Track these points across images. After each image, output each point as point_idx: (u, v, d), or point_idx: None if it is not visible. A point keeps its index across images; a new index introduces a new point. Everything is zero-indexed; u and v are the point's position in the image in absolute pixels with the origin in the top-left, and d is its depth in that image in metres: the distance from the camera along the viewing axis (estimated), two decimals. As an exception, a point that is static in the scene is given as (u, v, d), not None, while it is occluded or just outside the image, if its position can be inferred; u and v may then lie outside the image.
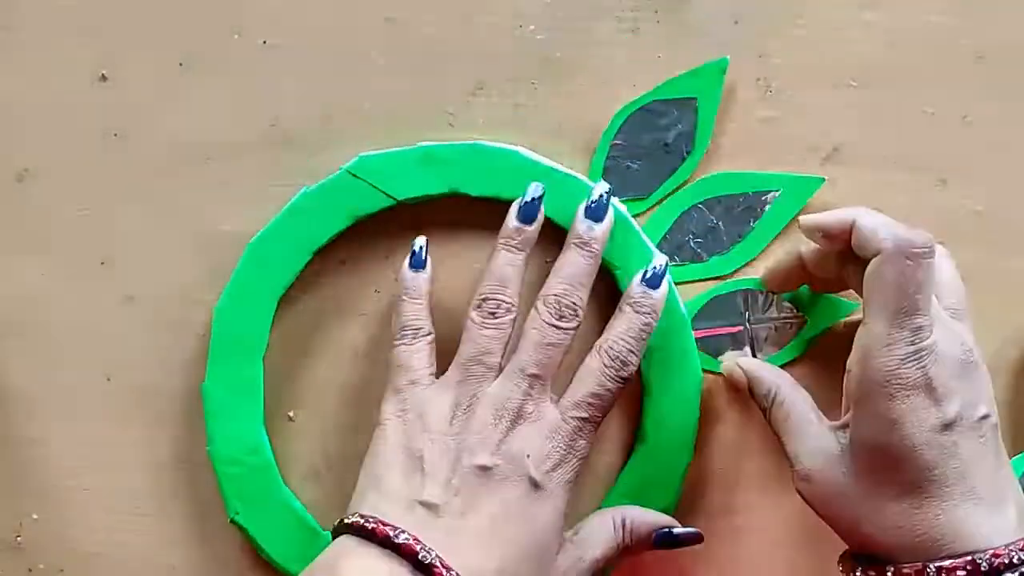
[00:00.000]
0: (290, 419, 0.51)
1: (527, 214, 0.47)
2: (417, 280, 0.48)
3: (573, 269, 0.46)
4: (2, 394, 0.51)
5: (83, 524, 0.51)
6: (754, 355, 0.50)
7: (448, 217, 0.51)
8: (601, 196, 0.47)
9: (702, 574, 0.51)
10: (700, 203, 0.50)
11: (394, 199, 0.49)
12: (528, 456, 0.44)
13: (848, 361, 0.43)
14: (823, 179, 0.50)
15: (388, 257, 0.51)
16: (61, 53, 0.50)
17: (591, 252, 0.46)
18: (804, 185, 0.50)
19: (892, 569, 0.41)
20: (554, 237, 0.49)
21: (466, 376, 0.45)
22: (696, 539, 0.47)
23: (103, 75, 0.51)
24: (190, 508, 0.51)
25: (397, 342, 0.47)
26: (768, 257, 0.50)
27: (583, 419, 0.45)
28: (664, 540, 0.47)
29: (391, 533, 0.41)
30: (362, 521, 0.42)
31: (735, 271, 0.50)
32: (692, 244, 0.50)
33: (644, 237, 0.50)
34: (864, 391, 0.41)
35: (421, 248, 0.48)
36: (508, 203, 0.48)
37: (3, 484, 0.51)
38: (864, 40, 0.51)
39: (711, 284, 0.51)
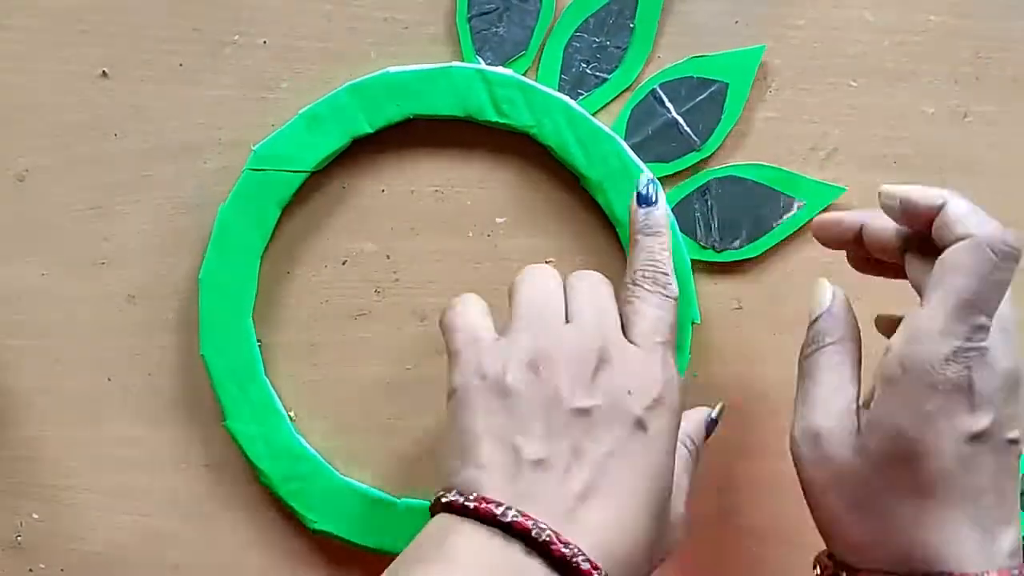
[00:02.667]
0: (290, 419, 0.51)
1: (646, 200, 0.46)
2: None
3: (648, 247, 0.44)
4: (2, 394, 0.51)
5: (83, 524, 0.51)
6: None
7: (447, 212, 0.51)
8: (648, 185, 0.46)
9: (701, 574, 0.51)
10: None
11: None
12: (630, 393, 0.40)
13: (891, 340, 0.40)
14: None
15: (389, 257, 0.51)
16: (61, 53, 0.50)
17: (658, 232, 0.45)
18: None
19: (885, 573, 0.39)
20: (555, 232, 0.49)
21: (536, 319, 0.42)
22: (723, 409, 0.48)
23: (103, 75, 0.51)
24: (190, 508, 0.51)
25: (450, 310, 0.43)
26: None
27: (663, 343, 0.42)
28: (711, 427, 0.47)
29: (496, 512, 0.37)
30: (462, 500, 0.38)
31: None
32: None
33: (631, 155, 0.50)
34: (903, 375, 0.38)
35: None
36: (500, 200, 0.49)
37: (3, 484, 0.51)
38: (864, 40, 0.51)
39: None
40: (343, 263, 0.51)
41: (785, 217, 0.50)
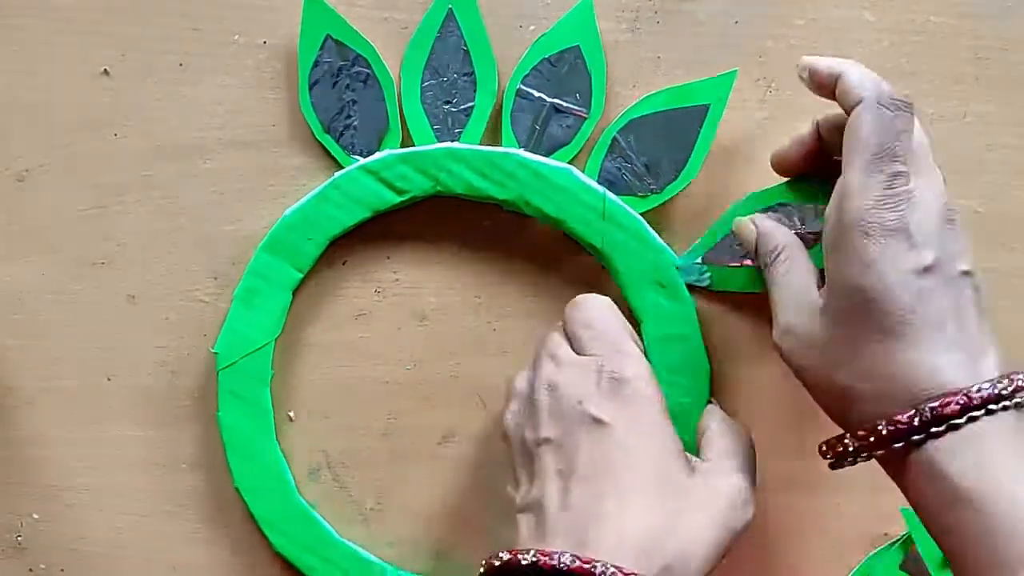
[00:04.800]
0: (290, 419, 0.51)
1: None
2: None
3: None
4: (2, 394, 0.51)
5: (83, 524, 0.51)
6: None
7: (447, 211, 0.51)
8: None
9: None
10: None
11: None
12: (580, 403, 0.43)
13: (826, 210, 0.42)
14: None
15: (389, 257, 0.51)
16: (62, 53, 0.50)
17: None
18: None
19: (884, 421, 0.40)
20: (553, 236, 0.49)
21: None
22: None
23: (104, 75, 0.51)
24: (190, 508, 0.51)
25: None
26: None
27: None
28: None
29: (554, 563, 0.40)
30: (520, 559, 0.41)
31: None
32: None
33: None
34: (839, 233, 0.41)
35: None
36: (489, 203, 0.49)
37: (3, 484, 0.51)
38: (864, 40, 0.51)
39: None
40: (343, 263, 0.51)
41: (700, 127, 0.49)
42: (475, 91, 0.50)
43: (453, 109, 0.50)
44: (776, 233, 0.46)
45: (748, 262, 0.49)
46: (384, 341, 0.51)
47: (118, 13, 0.50)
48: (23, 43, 0.50)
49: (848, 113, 0.42)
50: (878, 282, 0.40)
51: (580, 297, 0.46)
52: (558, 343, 0.45)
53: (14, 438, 0.51)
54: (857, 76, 0.42)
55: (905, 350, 0.40)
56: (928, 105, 0.51)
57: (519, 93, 0.50)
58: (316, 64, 0.50)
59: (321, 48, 0.49)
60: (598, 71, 0.50)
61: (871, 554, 0.51)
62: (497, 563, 0.41)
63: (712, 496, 0.43)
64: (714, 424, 0.46)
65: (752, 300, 0.50)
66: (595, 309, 0.46)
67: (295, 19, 0.50)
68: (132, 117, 0.51)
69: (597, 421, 0.42)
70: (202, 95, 0.51)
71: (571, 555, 0.39)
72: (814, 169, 0.47)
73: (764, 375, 0.51)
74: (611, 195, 0.49)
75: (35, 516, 0.51)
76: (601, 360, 0.44)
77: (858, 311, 0.40)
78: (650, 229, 0.49)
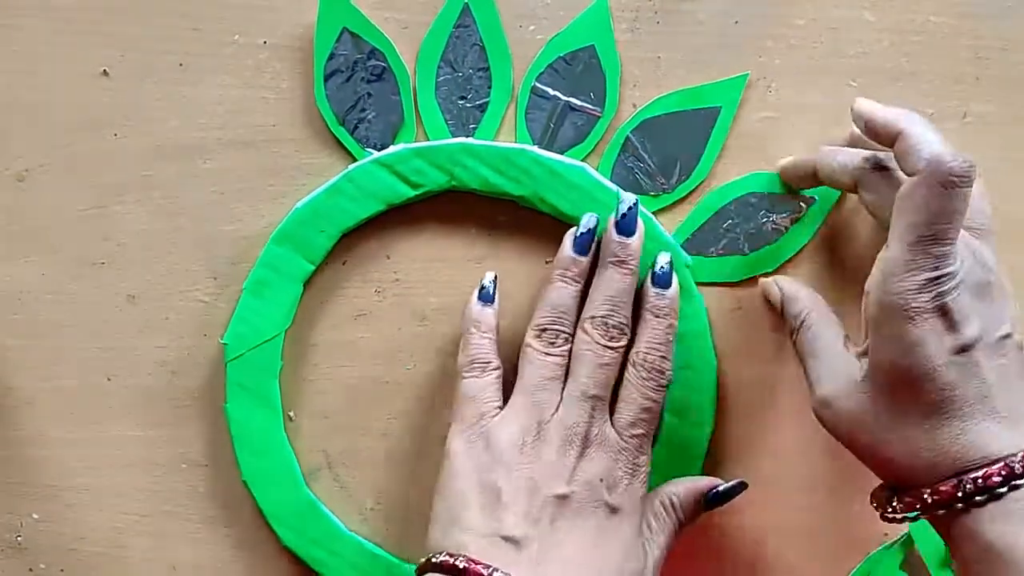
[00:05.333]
0: (290, 419, 0.51)
1: (582, 245, 0.47)
2: (485, 314, 0.48)
3: (614, 287, 0.46)
4: (2, 394, 0.51)
5: (83, 524, 0.51)
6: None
7: (447, 211, 0.51)
8: (630, 209, 0.47)
9: (707, 573, 0.51)
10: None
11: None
12: (601, 480, 0.44)
13: (867, 283, 0.42)
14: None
15: (389, 257, 0.51)
16: (61, 53, 0.50)
17: (629, 269, 0.47)
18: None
19: (928, 491, 0.41)
20: (555, 232, 0.49)
21: (532, 404, 0.46)
22: (742, 487, 0.48)
23: (103, 75, 0.51)
24: (190, 508, 0.51)
25: (466, 375, 0.47)
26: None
27: (641, 435, 0.46)
28: (713, 501, 0.47)
29: (484, 572, 0.42)
30: (452, 560, 0.42)
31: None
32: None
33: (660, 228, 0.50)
34: (882, 314, 0.41)
35: (491, 283, 0.48)
36: (503, 200, 0.49)
37: (3, 484, 0.51)
38: (864, 40, 0.51)
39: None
40: (343, 263, 0.51)
41: (712, 129, 0.50)
42: (490, 87, 0.50)
43: (468, 105, 0.50)
44: (801, 296, 0.47)
45: (722, 252, 0.50)
46: (384, 341, 0.51)
47: (118, 13, 0.50)
48: (23, 43, 0.50)
49: (904, 171, 0.42)
50: (921, 364, 0.40)
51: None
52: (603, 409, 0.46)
53: (14, 438, 0.51)
54: (915, 138, 0.41)
55: (948, 424, 0.40)
56: (928, 105, 0.51)
57: (534, 91, 0.50)
58: (332, 56, 0.50)
59: (337, 41, 0.49)
60: (612, 70, 0.50)
61: (871, 554, 0.51)
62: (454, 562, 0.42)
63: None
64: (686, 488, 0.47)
65: (756, 299, 0.50)
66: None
67: (295, 19, 0.50)
68: (132, 117, 0.51)
69: (611, 508, 0.44)
70: (202, 95, 0.51)
71: None
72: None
73: (766, 375, 0.51)
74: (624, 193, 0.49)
75: (35, 516, 0.51)
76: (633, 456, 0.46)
77: (901, 388, 0.41)
78: (661, 227, 0.50)
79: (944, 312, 0.40)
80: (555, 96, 0.50)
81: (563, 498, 0.44)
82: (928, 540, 0.50)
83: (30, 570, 0.51)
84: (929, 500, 0.41)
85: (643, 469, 0.46)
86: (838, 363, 0.43)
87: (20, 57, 0.51)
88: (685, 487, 0.47)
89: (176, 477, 0.51)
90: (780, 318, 0.48)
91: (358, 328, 0.51)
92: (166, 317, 0.51)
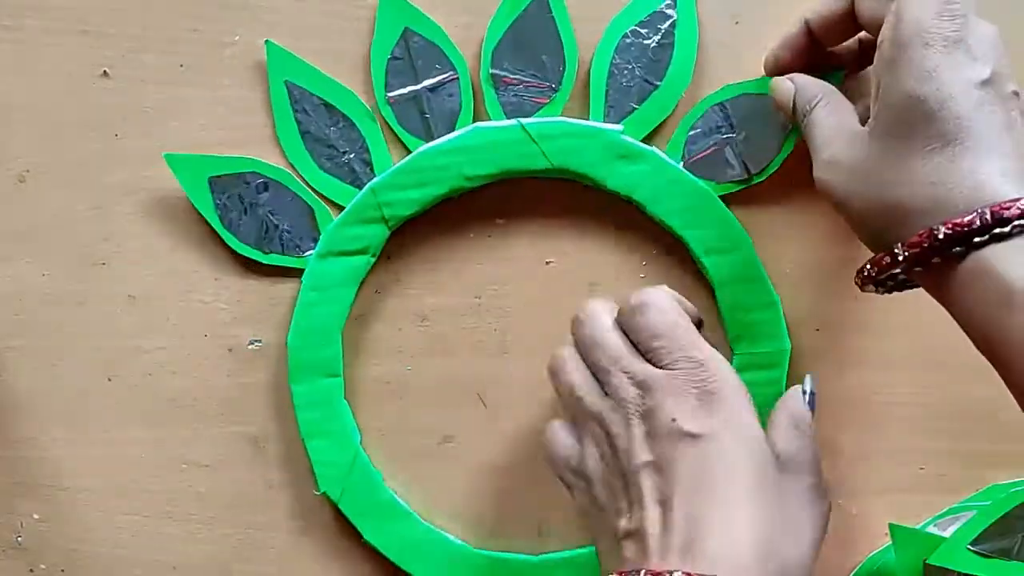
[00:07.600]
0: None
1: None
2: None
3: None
4: (2, 394, 0.51)
5: (83, 524, 0.51)
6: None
7: (446, 211, 0.51)
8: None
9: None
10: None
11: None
12: (673, 420, 0.42)
13: (880, 33, 0.42)
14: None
15: (389, 257, 0.51)
16: (62, 54, 0.50)
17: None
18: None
19: (941, 225, 0.39)
20: (553, 232, 0.49)
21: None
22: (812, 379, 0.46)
23: (103, 75, 0.51)
24: (190, 508, 0.51)
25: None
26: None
27: (684, 357, 0.43)
28: (812, 403, 0.45)
29: None
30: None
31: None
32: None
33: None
34: (896, 48, 0.41)
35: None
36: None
37: (3, 484, 0.51)
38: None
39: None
40: (343, 263, 0.51)
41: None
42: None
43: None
44: (815, 85, 0.46)
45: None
46: (384, 341, 0.51)
47: (118, 13, 0.50)
48: (23, 43, 0.50)
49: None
50: (939, 90, 0.40)
51: (640, 300, 0.44)
52: (630, 360, 0.43)
53: (14, 438, 0.51)
54: None
55: (964, 156, 0.40)
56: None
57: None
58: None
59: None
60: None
61: (871, 554, 0.51)
62: None
63: (803, 492, 0.42)
64: (783, 415, 0.44)
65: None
66: (660, 314, 0.43)
67: (295, 19, 0.50)
68: (132, 117, 0.51)
69: (693, 436, 0.41)
70: (202, 95, 0.51)
71: (682, 572, 0.38)
72: (805, 68, 0.48)
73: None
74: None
75: (35, 516, 0.51)
76: (684, 374, 0.42)
77: (915, 122, 0.40)
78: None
79: (963, 43, 0.40)
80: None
81: (649, 463, 0.42)
82: (906, 558, 0.49)
83: (30, 570, 0.51)
84: (941, 235, 0.39)
85: (712, 372, 0.43)
86: (846, 127, 0.43)
87: (20, 57, 0.51)
88: (789, 407, 0.45)
89: (176, 477, 0.51)
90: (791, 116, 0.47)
91: (358, 328, 0.51)
92: (166, 317, 0.51)
